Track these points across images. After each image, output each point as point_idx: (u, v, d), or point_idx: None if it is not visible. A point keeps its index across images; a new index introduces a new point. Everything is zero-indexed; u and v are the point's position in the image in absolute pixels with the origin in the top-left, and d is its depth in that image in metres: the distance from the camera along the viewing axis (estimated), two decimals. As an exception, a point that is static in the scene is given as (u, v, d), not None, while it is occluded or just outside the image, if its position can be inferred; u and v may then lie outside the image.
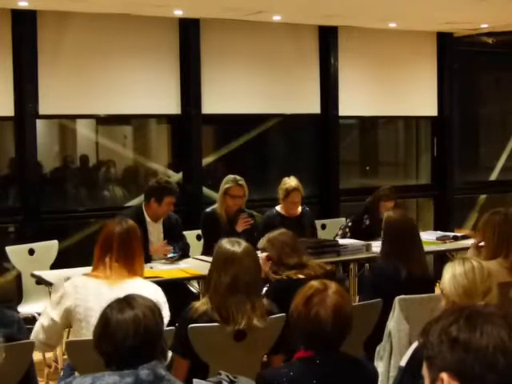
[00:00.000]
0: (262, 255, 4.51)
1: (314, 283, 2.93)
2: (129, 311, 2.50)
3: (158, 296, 3.75)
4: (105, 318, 2.53)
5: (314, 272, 4.34)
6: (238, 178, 6.26)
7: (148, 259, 5.76)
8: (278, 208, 6.66)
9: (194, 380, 2.93)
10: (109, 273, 3.81)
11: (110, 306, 2.56)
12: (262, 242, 4.69)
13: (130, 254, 3.92)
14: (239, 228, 6.18)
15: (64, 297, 3.72)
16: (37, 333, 3.78)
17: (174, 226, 6.02)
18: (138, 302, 2.55)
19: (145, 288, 3.70)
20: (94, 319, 3.56)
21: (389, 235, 4.80)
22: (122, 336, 2.46)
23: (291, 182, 6.56)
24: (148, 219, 5.87)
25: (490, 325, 1.46)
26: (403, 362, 2.84)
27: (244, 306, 3.59)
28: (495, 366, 1.42)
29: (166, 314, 3.73)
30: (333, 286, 2.88)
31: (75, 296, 3.69)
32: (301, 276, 4.34)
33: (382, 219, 6.53)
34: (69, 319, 3.71)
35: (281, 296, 3.86)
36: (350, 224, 6.87)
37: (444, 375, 1.45)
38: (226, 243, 3.75)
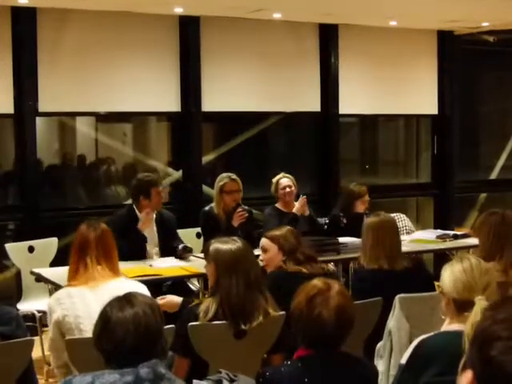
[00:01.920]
0: (271, 247, 4.48)
1: (318, 282, 2.91)
2: (129, 309, 2.49)
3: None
4: (105, 316, 2.52)
5: (316, 271, 4.29)
6: (230, 174, 6.32)
7: (143, 257, 5.76)
8: (277, 205, 6.70)
9: (194, 381, 2.92)
10: (90, 276, 3.79)
11: (110, 305, 2.55)
12: (274, 232, 4.57)
13: (109, 255, 3.92)
14: (235, 222, 6.19)
15: (51, 313, 3.73)
16: (53, 365, 3.83)
17: (167, 224, 6.01)
18: (138, 300, 2.54)
19: (129, 287, 3.64)
20: (84, 325, 3.57)
21: (369, 239, 4.76)
22: (122, 334, 2.45)
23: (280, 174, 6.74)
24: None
25: None
26: (403, 360, 2.83)
27: (259, 301, 3.59)
28: None
29: None
30: (336, 286, 2.87)
31: (61, 307, 3.68)
32: (304, 270, 4.30)
33: (360, 216, 6.69)
34: (61, 331, 3.69)
35: (276, 287, 3.87)
36: (327, 222, 6.89)
37: (470, 374, 1.41)
38: (220, 245, 3.70)
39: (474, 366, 1.41)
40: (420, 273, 4.74)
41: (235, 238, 3.83)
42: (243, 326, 3.55)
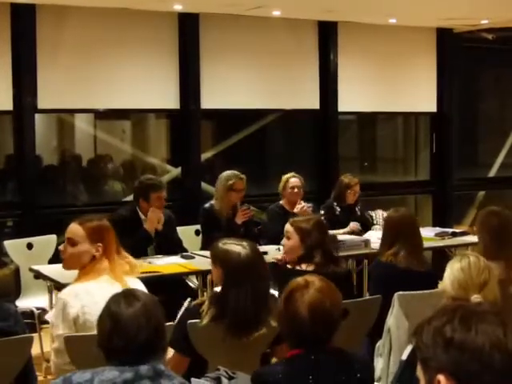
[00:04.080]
0: (294, 236, 4.36)
1: (298, 279, 2.85)
2: (137, 303, 2.46)
3: None
4: (114, 314, 2.45)
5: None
6: (236, 172, 6.35)
7: (144, 254, 5.77)
8: (282, 202, 6.72)
9: (192, 379, 2.92)
10: (108, 271, 3.55)
11: (115, 302, 2.49)
12: (301, 222, 4.40)
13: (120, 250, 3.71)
14: (239, 220, 6.22)
15: (65, 308, 3.41)
16: (56, 364, 3.48)
17: (166, 223, 5.99)
18: (141, 295, 2.53)
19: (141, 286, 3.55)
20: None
21: (387, 234, 4.80)
22: (135, 329, 2.41)
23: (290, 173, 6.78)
24: (143, 217, 5.89)
25: (484, 323, 1.46)
26: (404, 356, 2.83)
27: (263, 313, 3.46)
28: (492, 365, 1.42)
29: None
30: (316, 283, 2.79)
31: (80, 303, 3.39)
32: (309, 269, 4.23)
33: (351, 208, 7.06)
34: (76, 328, 3.40)
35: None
36: (322, 212, 6.93)
37: (441, 377, 1.44)
38: (230, 249, 3.52)
39: (441, 365, 1.45)
40: (434, 278, 4.73)
41: (245, 242, 3.60)
42: (244, 339, 3.45)
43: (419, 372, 1.51)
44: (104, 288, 3.38)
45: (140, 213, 5.90)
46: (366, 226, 7.08)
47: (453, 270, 3.08)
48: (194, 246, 6.33)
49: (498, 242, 4.32)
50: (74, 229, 3.67)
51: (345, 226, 6.82)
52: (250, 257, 3.49)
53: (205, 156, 7.93)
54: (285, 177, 6.76)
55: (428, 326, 1.51)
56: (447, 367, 1.43)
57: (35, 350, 4.52)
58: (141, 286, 3.50)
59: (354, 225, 6.84)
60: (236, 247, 3.53)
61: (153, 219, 5.81)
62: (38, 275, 5.50)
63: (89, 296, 3.40)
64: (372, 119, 9.38)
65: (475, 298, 2.93)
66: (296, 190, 6.67)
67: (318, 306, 2.73)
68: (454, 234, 6.87)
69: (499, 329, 1.45)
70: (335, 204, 7.06)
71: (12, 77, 6.79)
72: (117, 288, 3.14)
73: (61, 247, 3.76)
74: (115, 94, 7.33)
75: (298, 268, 4.30)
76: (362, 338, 4.19)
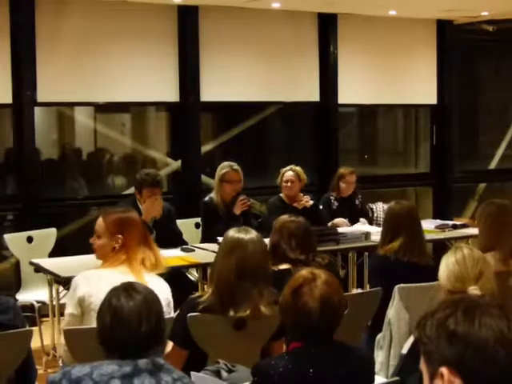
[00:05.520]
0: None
1: (304, 272, 2.87)
2: (137, 296, 2.46)
3: (167, 294, 3.68)
4: (114, 307, 2.45)
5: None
6: (231, 163, 6.31)
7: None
8: (282, 195, 6.72)
9: (192, 373, 2.92)
10: (126, 263, 3.62)
11: (114, 295, 2.49)
12: (280, 222, 4.48)
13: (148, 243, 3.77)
14: (237, 210, 6.20)
15: (76, 289, 3.54)
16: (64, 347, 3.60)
17: (164, 217, 5.96)
18: (140, 288, 2.53)
19: (159, 285, 3.59)
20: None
21: (388, 226, 4.78)
22: (137, 321, 2.41)
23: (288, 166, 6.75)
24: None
25: (487, 316, 1.45)
26: (405, 350, 2.83)
27: (250, 292, 3.53)
28: (496, 359, 1.41)
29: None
30: (322, 276, 2.82)
31: (88, 287, 3.51)
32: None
33: (349, 198, 7.05)
34: (82, 309, 3.52)
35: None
36: (321, 207, 6.93)
37: (444, 370, 1.43)
38: (232, 231, 3.72)
39: (444, 358, 1.44)
40: (435, 271, 4.73)
41: (251, 229, 3.78)
42: (232, 313, 3.52)
43: (422, 365, 1.50)
44: (114, 277, 3.42)
45: (139, 204, 5.88)
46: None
47: (448, 264, 3.08)
48: (194, 239, 6.32)
49: (495, 232, 4.30)
50: (98, 222, 3.82)
51: (342, 217, 6.81)
52: (245, 238, 3.64)
53: (205, 149, 7.93)
54: (282, 170, 6.75)
55: (431, 318, 1.50)
56: (450, 360, 1.43)
57: (35, 344, 4.53)
58: (159, 283, 3.60)
59: (340, 220, 6.81)
60: (239, 231, 3.70)
61: (148, 209, 5.79)
62: (38, 269, 5.50)
63: (97, 281, 3.51)
64: (372, 111, 9.37)
65: (472, 289, 2.92)
66: (289, 183, 6.63)
67: (329, 299, 2.76)
68: (455, 227, 6.87)
69: (503, 322, 1.44)
70: (332, 198, 7.04)
71: (11, 70, 6.77)
72: (129, 279, 3.14)
73: (91, 240, 3.88)
74: (115, 87, 7.31)
75: (275, 269, 4.29)
76: (362, 331, 4.19)
